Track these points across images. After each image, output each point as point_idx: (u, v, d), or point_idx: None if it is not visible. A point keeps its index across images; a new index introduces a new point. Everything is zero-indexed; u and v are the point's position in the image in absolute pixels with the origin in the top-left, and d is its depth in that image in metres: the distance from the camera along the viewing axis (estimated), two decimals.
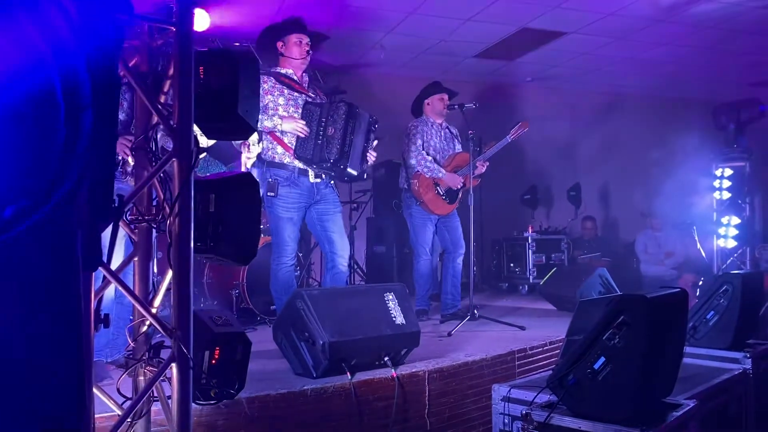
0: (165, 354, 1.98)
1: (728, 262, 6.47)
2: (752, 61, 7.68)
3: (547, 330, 4.38)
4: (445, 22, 6.41)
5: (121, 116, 3.04)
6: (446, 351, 3.64)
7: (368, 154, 3.90)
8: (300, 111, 3.85)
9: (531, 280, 7.44)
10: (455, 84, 5.55)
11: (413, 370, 3.17)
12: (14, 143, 0.91)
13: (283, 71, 3.93)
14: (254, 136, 3.71)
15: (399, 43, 6.95)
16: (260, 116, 3.67)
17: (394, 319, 3.22)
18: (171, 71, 2.02)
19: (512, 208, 8.47)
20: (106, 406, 2.06)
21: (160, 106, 1.99)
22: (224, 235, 2.09)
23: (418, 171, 4.88)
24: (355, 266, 6.76)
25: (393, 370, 3.06)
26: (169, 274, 1.95)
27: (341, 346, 2.94)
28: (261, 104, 3.68)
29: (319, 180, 3.89)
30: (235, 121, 2.08)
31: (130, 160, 2.92)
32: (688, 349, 3.22)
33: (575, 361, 2.29)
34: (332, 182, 3.99)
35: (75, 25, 0.96)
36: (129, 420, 1.92)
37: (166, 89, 2.08)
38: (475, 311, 4.65)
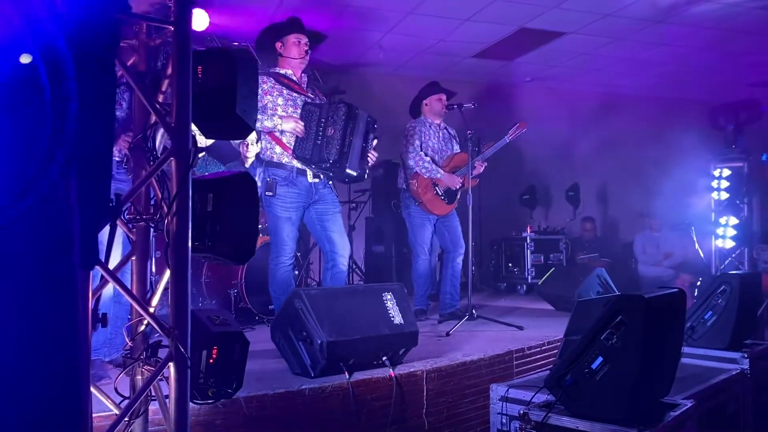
0: (163, 353, 1.98)
1: (726, 262, 6.48)
2: (751, 61, 7.69)
3: (545, 330, 4.38)
4: (443, 22, 6.41)
5: (122, 114, 3.03)
6: (444, 351, 3.64)
7: (369, 154, 3.90)
8: (299, 111, 3.85)
9: (529, 280, 7.44)
10: (454, 84, 5.55)
11: (411, 370, 3.17)
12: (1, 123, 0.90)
13: (282, 71, 3.93)
14: (252, 136, 3.71)
15: (398, 43, 6.95)
16: (260, 116, 3.67)
17: (392, 318, 3.22)
18: (169, 70, 2.02)
19: (511, 208, 8.48)
20: (104, 405, 2.06)
21: (158, 106, 1.99)
22: (222, 234, 2.09)
23: (416, 171, 4.89)
24: (354, 266, 6.76)
25: (391, 369, 3.07)
26: (167, 273, 1.95)
27: (339, 345, 2.94)
28: (260, 104, 3.69)
29: (317, 180, 3.89)
30: (233, 120, 2.08)
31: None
32: (686, 349, 3.23)
33: (573, 361, 2.30)
34: (330, 182, 3.99)
35: (50, 1, 0.95)
36: (126, 419, 1.91)
37: (164, 88, 2.08)
38: (474, 311, 4.65)
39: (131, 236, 2.11)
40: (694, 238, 6.77)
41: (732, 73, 8.18)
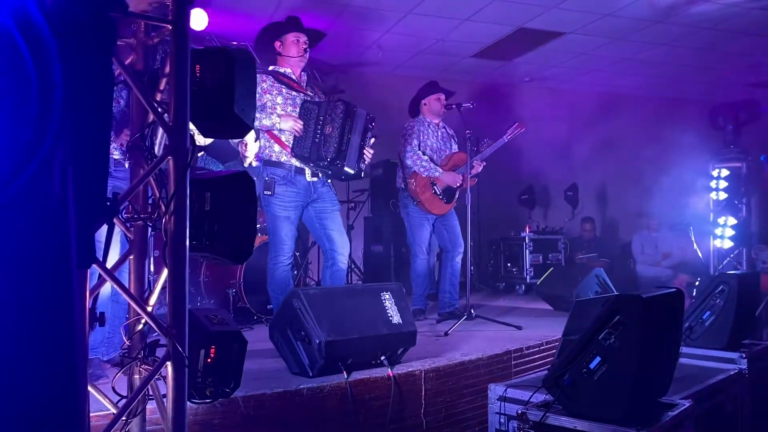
0: (160, 352, 1.98)
1: (725, 262, 6.48)
2: (750, 61, 7.70)
3: (544, 330, 4.38)
4: (442, 22, 6.41)
5: (119, 110, 3.02)
6: (443, 350, 3.64)
7: (364, 151, 3.90)
8: (298, 110, 3.85)
9: (528, 280, 7.45)
10: (453, 84, 5.56)
11: (410, 370, 3.17)
12: None
13: (281, 70, 3.93)
14: (251, 135, 3.71)
15: (397, 43, 6.95)
16: (259, 115, 3.67)
17: (390, 318, 3.22)
18: (167, 69, 2.02)
19: (509, 208, 8.48)
20: (102, 404, 2.06)
21: (156, 104, 1.99)
22: (220, 233, 2.09)
23: (414, 171, 4.88)
24: (353, 266, 6.76)
25: (389, 369, 3.06)
26: (165, 272, 1.95)
27: (338, 345, 2.94)
28: (259, 103, 3.69)
29: (315, 179, 3.89)
30: (231, 119, 2.08)
31: None
32: (684, 350, 3.22)
33: (571, 360, 2.29)
34: (329, 181, 3.99)
35: None
36: (124, 418, 1.91)
37: (162, 87, 2.08)
38: (472, 311, 4.65)
39: (129, 235, 2.10)
40: (693, 238, 6.78)
41: (731, 74, 8.19)
